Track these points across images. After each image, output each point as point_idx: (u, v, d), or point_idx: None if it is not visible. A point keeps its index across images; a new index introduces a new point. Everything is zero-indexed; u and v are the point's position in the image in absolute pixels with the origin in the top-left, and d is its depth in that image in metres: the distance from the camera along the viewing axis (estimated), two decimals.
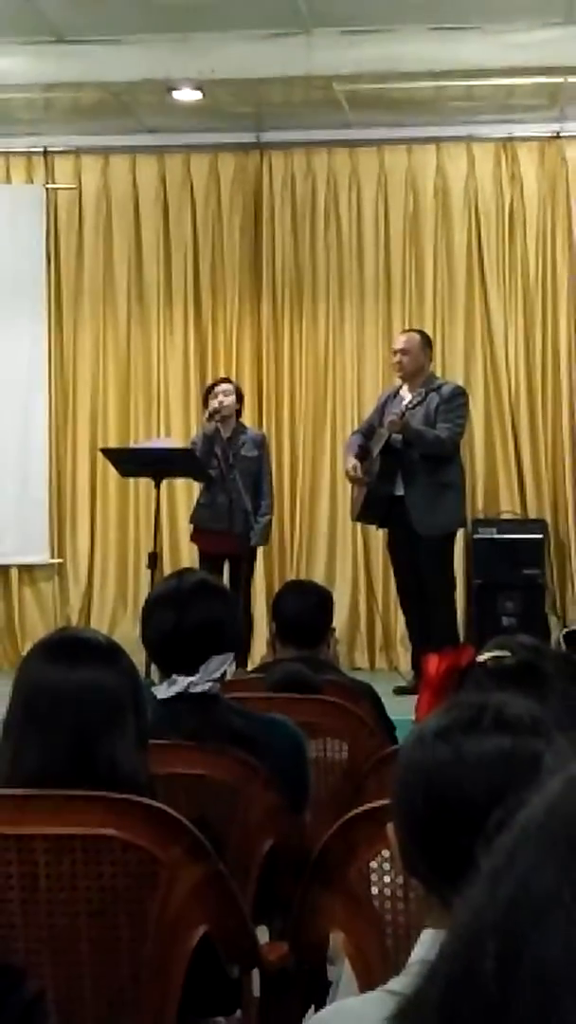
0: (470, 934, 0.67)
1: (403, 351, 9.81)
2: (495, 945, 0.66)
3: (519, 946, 0.65)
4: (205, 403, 9.97)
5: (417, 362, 9.80)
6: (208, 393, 9.95)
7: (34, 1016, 2.14)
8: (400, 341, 9.96)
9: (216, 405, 9.70)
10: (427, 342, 10.04)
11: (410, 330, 10.27)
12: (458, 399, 9.73)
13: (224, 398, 9.76)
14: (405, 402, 9.53)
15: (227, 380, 10.21)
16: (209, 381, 10.56)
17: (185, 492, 10.64)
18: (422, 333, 10.16)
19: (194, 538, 10.07)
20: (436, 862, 1.85)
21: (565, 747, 1.85)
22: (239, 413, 9.96)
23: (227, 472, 9.59)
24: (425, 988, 0.69)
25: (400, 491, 9.46)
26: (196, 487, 10.06)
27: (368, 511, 9.73)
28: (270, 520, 10.03)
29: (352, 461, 9.68)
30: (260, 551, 10.45)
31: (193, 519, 10.06)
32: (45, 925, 2.76)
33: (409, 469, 9.40)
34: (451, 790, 1.84)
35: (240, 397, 10.06)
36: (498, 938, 0.66)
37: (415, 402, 9.47)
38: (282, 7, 9.16)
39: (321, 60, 9.76)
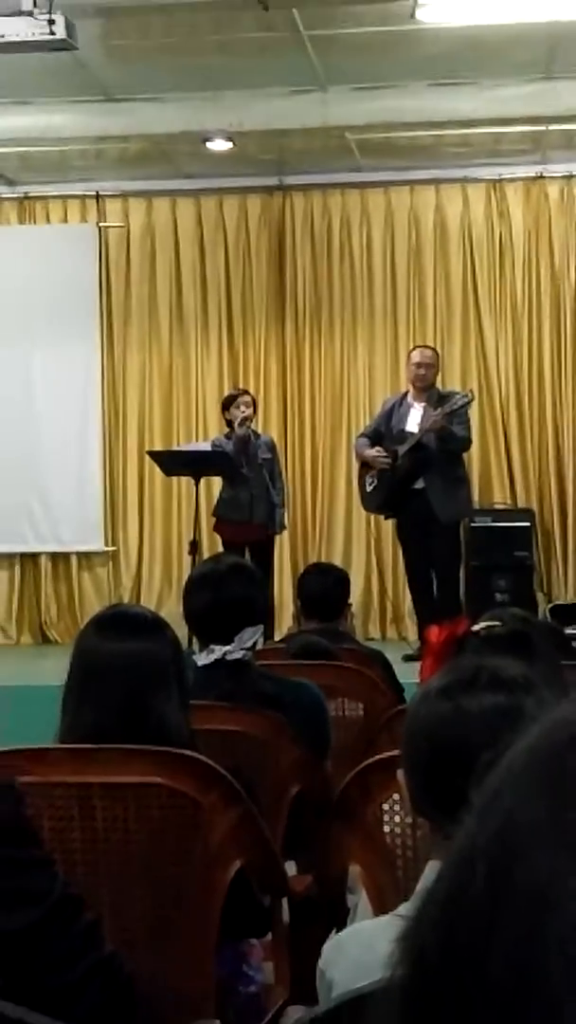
0: (464, 860, 0.67)
1: (428, 365, 9.79)
2: (485, 868, 0.65)
3: (506, 869, 0.65)
4: (225, 408, 9.96)
5: (436, 375, 9.85)
6: (231, 402, 9.91)
7: (93, 939, 2.15)
8: (422, 356, 9.88)
9: (242, 414, 9.71)
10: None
11: (425, 347, 10.23)
12: (467, 405, 9.75)
13: (246, 409, 9.77)
14: (416, 411, 9.52)
15: (246, 391, 10.19)
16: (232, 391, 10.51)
17: (220, 488, 10.64)
18: (435, 350, 10.18)
19: (217, 528, 10.03)
20: (440, 802, 1.84)
21: (547, 700, 1.85)
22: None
23: (251, 471, 9.62)
24: (425, 908, 0.69)
25: (420, 485, 9.45)
26: None
27: (389, 504, 9.72)
28: (283, 511, 10.03)
29: (372, 451, 9.64)
30: (284, 537, 10.47)
31: (216, 512, 10.02)
32: (102, 862, 2.75)
33: (431, 465, 9.41)
34: (452, 740, 1.84)
35: (255, 407, 10.08)
36: (488, 862, 0.65)
37: (457, 404, 9.43)
38: (301, 68, 9.16)
39: (335, 113, 9.76)
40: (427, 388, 9.70)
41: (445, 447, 9.36)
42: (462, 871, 0.66)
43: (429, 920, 0.68)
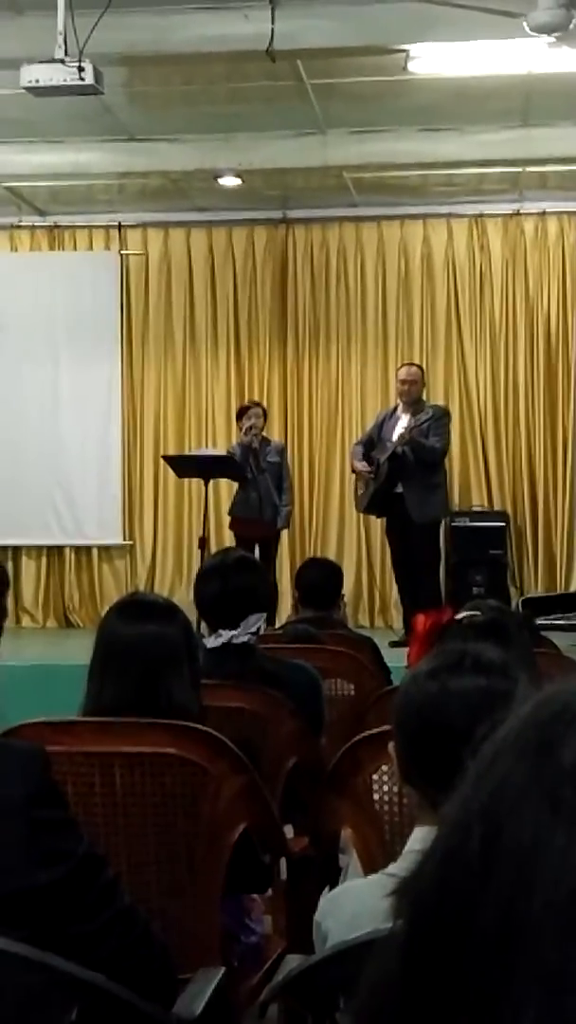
0: (460, 821, 0.67)
1: (412, 382, 9.70)
2: (480, 829, 0.65)
3: (498, 829, 0.65)
4: (239, 419, 9.99)
5: (420, 391, 9.79)
6: (243, 413, 9.95)
7: (112, 893, 2.14)
8: (408, 373, 9.81)
9: (251, 424, 9.73)
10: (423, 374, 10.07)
11: (412, 364, 10.17)
12: (444, 418, 9.71)
13: (256, 420, 9.78)
14: (403, 422, 9.48)
15: (257, 403, 10.20)
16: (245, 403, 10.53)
17: (227, 489, 10.61)
18: (420, 367, 10.13)
19: (232, 526, 10.07)
20: (426, 772, 1.84)
21: (527, 684, 1.85)
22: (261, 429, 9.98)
23: (258, 474, 9.62)
24: (423, 865, 0.69)
25: (399, 489, 9.43)
26: (235, 485, 10.06)
27: (374, 505, 9.71)
28: (290, 510, 10.03)
29: (361, 464, 9.66)
30: (284, 534, 10.47)
31: (231, 511, 10.06)
32: (121, 824, 2.75)
33: (407, 472, 9.38)
34: (438, 717, 1.84)
35: (265, 417, 10.08)
36: (482, 823, 0.65)
37: (421, 420, 9.43)
38: (304, 114, 9.16)
39: (334, 155, 9.76)
40: (413, 402, 9.66)
41: (418, 456, 9.35)
42: (459, 832, 0.66)
43: (427, 877, 0.68)
